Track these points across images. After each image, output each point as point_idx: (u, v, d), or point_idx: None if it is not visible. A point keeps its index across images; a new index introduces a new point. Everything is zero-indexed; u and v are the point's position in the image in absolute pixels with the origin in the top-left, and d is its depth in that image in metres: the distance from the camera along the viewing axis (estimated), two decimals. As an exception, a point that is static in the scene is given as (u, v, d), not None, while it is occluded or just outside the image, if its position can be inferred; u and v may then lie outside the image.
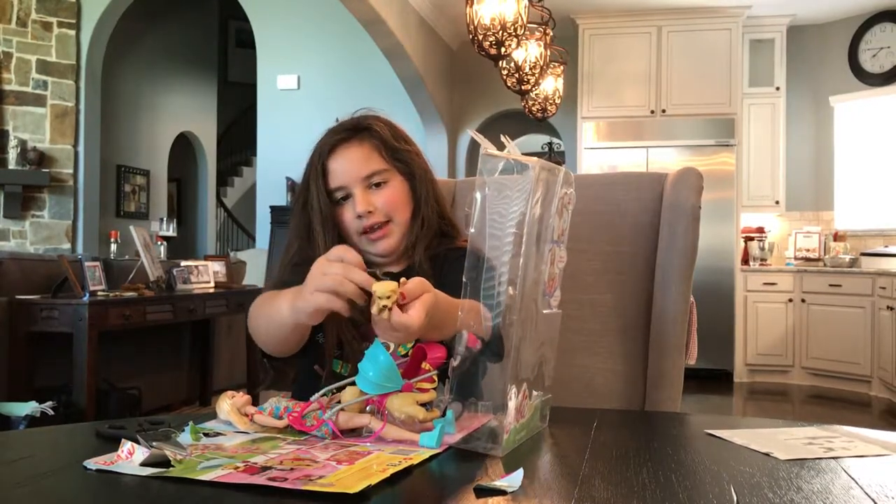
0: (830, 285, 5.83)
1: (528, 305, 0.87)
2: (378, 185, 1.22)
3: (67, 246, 6.68)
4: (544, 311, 0.93)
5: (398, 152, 1.25)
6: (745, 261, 6.35)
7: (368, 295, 0.91)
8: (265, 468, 0.74)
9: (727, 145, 6.05)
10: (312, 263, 0.98)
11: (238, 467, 0.75)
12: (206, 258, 5.38)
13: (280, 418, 0.93)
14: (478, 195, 0.85)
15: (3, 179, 6.44)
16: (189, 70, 9.05)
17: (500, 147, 0.92)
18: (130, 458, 0.77)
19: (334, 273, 0.91)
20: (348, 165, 1.22)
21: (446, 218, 1.28)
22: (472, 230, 0.86)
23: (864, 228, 6.21)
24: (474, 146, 7.31)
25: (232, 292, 4.73)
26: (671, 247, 1.36)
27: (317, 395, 0.95)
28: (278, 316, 1.02)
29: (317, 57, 7.24)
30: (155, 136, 8.45)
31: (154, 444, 0.77)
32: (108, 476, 0.74)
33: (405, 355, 1.14)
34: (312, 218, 1.22)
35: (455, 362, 0.87)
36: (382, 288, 0.88)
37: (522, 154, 0.90)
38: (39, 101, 6.67)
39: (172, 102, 8.72)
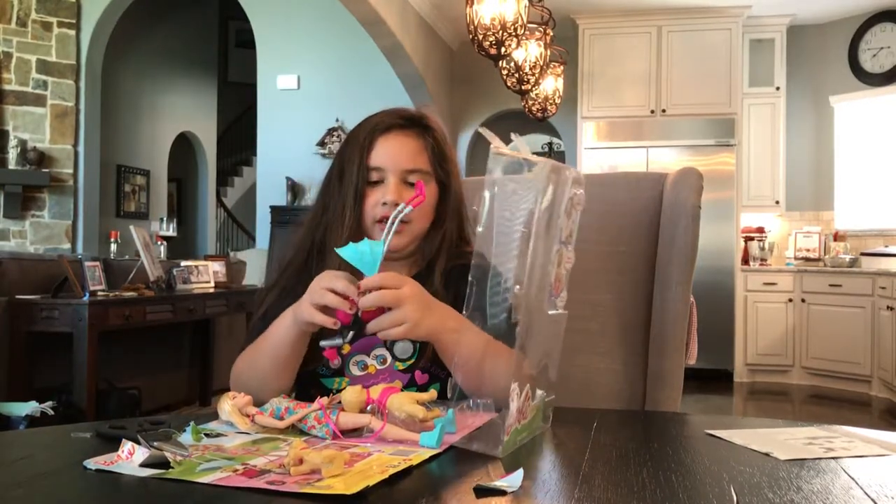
0: (830, 285, 5.83)
1: (533, 306, 0.87)
2: (413, 184, 1.19)
3: (67, 246, 6.68)
4: (550, 312, 0.92)
5: (445, 162, 1.23)
6: (745, 261, 6.35)
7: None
8: (264, 471, 0.74)
9: (727, 145, 6.05)
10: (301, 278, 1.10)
11: (237, 470, 0.75)
12: (206, 258, 5.38)
13: (281, 419, 0.93)
14: (486, 194, 0.85)
15: (3, 179, 6.44)
16: (189, 70, 9.05)
17: (508, 143, 0.92)
18: (130, 458, 0.77)
19: (322, 287, 1.00)
20: (396, 151, 1.19)
21: (465, 238, 1.26)
22: (480, 229, 0.85)
23: (864, 228, 6.21)
24: (475, 146, 7.31)
25: (232, 292, 4.73)
26: (671, 247, 1.36)
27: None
28: (279, 338, 1.09)
29: (317, 57, 7.24)
30: (155, 136, 8.45)
31: (155, 444, 0.77)
32: (108, 476, 0.74)
33: (405, 370, 1.15)
34: (346, 191, 1.19)
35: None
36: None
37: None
38: (39, 101, 6.67)
39: (172, 102, 8.72)
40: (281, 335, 1.09)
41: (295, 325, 1.06)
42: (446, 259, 1.21)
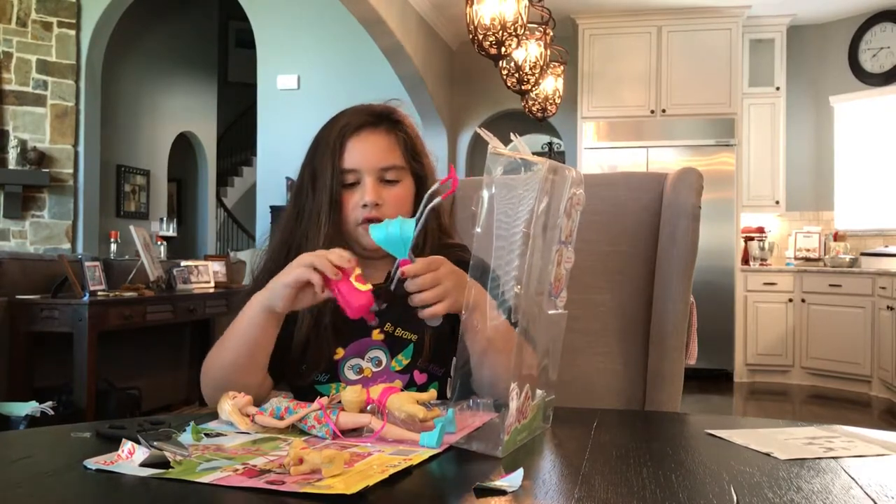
0: (830, 285, 5.83)
1: (533, 305, 0.87)
2: (390, 181, 1.18)
3: (67, 246, 6.68)
4: (550, 312, 0.92)
5: (418, 155, 1.21)
6: (745, 261, 6.35)
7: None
8: (264, 471, 0.74)
9: (727, 145, 6.05)
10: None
11: (237, 469, 0.75)
12: (206, 258, 5.38)
13: (281, 419, 0.93)
14: (485, 194, 0.85)
15: (3, 179, 6.44)
16: (189, 70, 9.04)
17: (507, 143, 0.91)
18: (130, 458, 0.77)
19: (312, 255, 1.01)
20: (369, 151, 1.17)
21: (444, 230, 1.25)
22: (478, 229, 0.85)
23: (864, 228, 6.21)
24: (474, 146, 7.31)
25: (232, 292, 4.73)
26: (671, 247, 1.36)
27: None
28: (248, 317, 1.07)
29: (317, 57, 7.24)
30: (155, 136, 8.45)
31: (155, 444, 0.77)
32: (108, 476, 0.74)
33: (402, 370, 1.15)
34: (320, 197, 1.16)
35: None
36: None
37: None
38: (39, 101, 6.66)
39: (172, 102, 8.72)
40: (248, 321, 1.07)
41: (264, 311, 1.05)
42: (429, 253, 1.20)
